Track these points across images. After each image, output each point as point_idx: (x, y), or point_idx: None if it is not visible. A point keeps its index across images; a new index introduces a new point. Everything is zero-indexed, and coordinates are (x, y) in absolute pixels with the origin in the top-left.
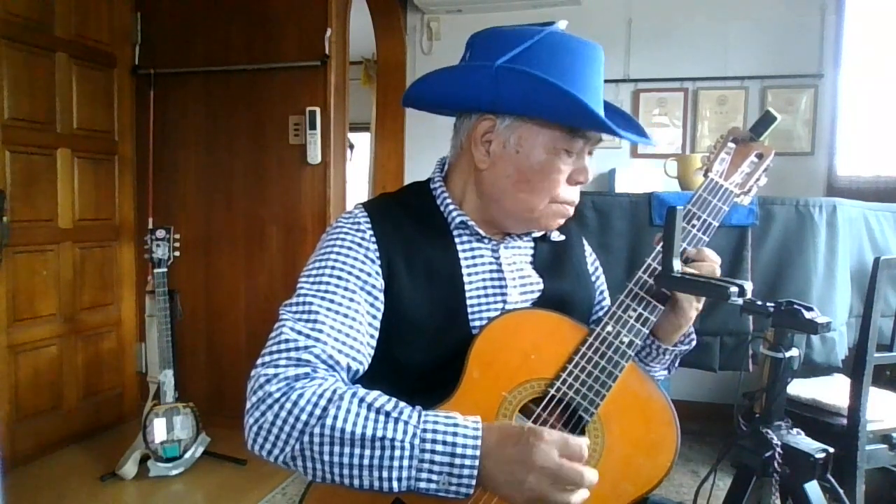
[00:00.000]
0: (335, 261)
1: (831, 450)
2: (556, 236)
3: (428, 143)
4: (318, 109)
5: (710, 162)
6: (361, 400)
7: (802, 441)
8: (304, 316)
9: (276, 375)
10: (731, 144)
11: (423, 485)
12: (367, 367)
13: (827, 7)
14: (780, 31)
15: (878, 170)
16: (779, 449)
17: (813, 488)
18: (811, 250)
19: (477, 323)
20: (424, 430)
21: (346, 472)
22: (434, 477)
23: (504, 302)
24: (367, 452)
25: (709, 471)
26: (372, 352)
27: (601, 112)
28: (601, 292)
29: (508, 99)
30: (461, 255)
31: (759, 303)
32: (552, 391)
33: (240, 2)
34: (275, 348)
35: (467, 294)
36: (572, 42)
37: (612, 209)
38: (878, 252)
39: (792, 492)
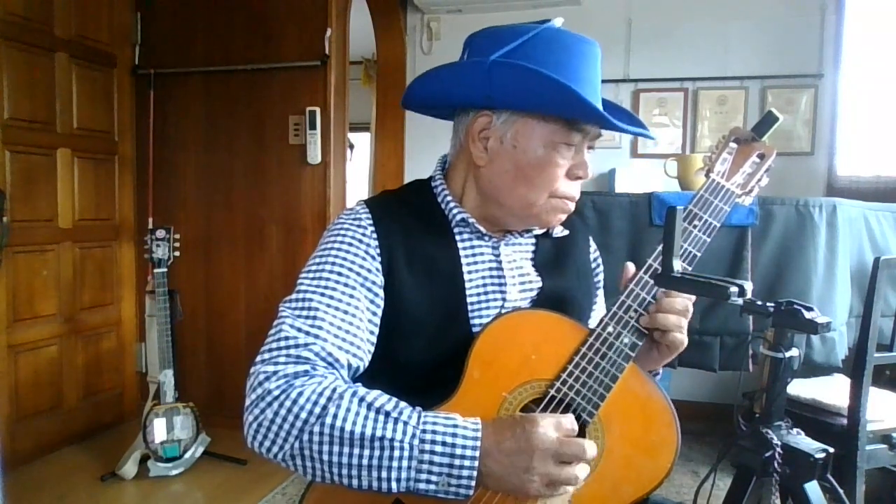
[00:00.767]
0: (336, 257)
1: (831, 450)
2: (559, 232)
3: (428, 143)
4: (318, 109)
5: (712, 162)
6: (361, 399)
7: (802, 441)
8: (304, 312)
9: (275, 373)
10: (733, 145)
11: (422, 486)
12: (367, 365)
13: (827, 7)
14: (780, 31)
15: (879, 170)
16: (779, 449)
17: (813, 488)
18: (811, 250)
19: (477, 320)
20: (424, 431)
21: (344, 471)
22: (433, 478)
23: (503, 300)
24: (367, 452)
25: (709, 471)
26: (372, 349)
27: (598, 105)
28: (597, 288)
29: (503, 93)
30: (462, 252)
31: (759, 303)
32: (552, 392)
33: (240, 2)
34: (274, 345)
35: (468, 291)
36: (568, 37)
37: (612, 209)
38: (878, 252)
39: (792, 492)
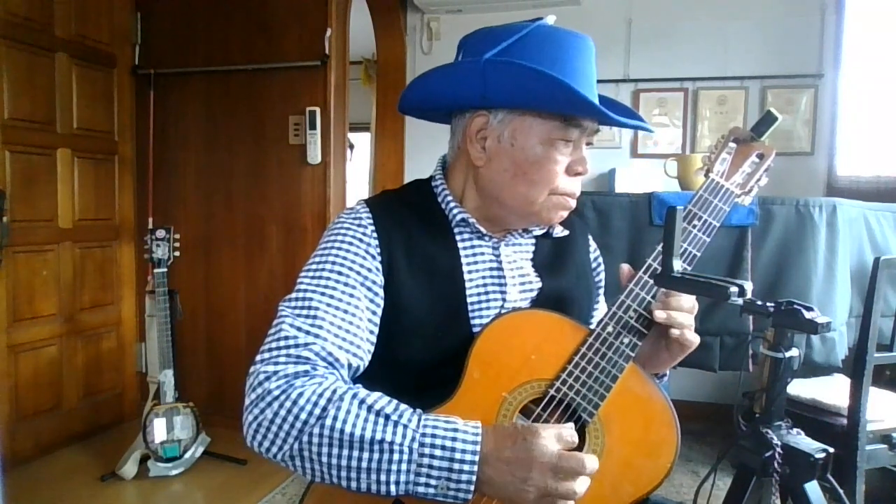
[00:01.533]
0: (336, 256)
1: (831, 450)
2: (559, 232)
3: (428, 143)
4: (318, 109)
5: (711, 162)
6: (362, 401)
7: (802, 441)
8: (304, 312)
9: (275, 373)
10: (732, 144)
11: (421, 489)
12: (367, 364)
13: (827, 7)
14: (780, 31)
15: (879, 170)
16: (779, 449)
17: (813, 488)
18: (811, 250)
19: (477, 321)
20: (424, 435)
21: (343, 473)
22: (432, 482)
23: (503, 300)
24: (366, 455)
25: (709, 471)
26: (372, 348)
27: (594, 99)
28: (598, 288)
29: (498, 91)
30: (462, 252)
31: (759, 303)
32: (552, 392)
33: (240, 2)
34: (274, 345)
35: (468, 291)
36: (561, 33)
37: (612, 209)
38: (878, 252)
39: (792, 492)
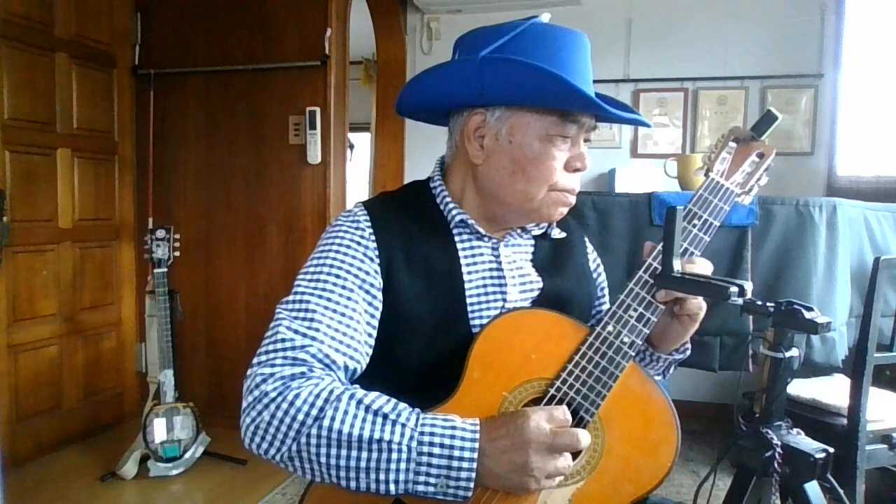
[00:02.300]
0: (333, 259)
1: (831, 450)
2: (557, 234)
3: (428, 143)
4: (318, 109)
5: (711, 161)
6: (359, 402)
7: (802, 441)
8: (301, 314)
9: (272, 375)
10: (732, 144)
11: (420, 488)
12: (364, 367)
13: (827, 7)
14: (780, 31)
15: (879, 170)
16: (779, 449)
17: (813, 488)
18: (811, 250)
19: (477, 321)
20: (422, 433)
21: (342, 473)
22: (432, 480)
23: (504, 300)
24: (364, 455)
25: (709, 471)
26: (370, 351)
27: (591, 94)
28: (602, 289)
29: (495, 89)
30: (461, 253)
31: (759, 303)
32: (552, 391)
33: (240, 2)
34: (271, 347)
35: (467, 292)
36: (556, 30)
37: (612, 209)
38: (878, 252)
39: (792, 492)
